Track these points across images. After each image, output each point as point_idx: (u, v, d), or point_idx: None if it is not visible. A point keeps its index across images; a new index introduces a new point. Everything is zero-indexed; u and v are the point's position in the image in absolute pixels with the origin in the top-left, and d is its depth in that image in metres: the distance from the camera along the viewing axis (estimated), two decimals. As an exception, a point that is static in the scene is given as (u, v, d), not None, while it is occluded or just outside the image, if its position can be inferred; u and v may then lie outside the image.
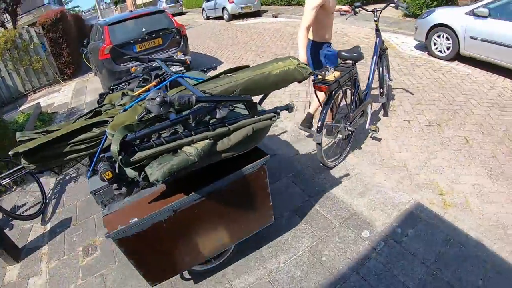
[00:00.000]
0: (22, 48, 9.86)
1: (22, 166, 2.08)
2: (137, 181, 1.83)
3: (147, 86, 2.57)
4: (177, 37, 7.86)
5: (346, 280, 2.89)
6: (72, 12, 22.84)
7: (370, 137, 4.72)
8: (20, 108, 8.86)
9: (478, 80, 6.22)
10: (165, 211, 2.04)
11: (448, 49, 7.06)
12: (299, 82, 2.55)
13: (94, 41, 8.06)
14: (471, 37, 6.49)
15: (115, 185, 1.94)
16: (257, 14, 16.80)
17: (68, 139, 2.05)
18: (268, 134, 2.51)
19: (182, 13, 26.85)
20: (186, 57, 6.60)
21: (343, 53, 3.77)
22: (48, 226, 4.03)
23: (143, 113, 1.84)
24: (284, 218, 3.56)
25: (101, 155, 1.75)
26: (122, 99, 2.49)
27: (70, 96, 9.22)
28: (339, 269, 3.00)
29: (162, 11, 8.13)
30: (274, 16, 15.40)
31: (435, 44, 7.28)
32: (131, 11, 8.44)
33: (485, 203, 3.47)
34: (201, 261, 2.63)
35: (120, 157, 1.58)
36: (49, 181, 4.90)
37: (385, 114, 5.20)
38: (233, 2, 15.87)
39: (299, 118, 5.34)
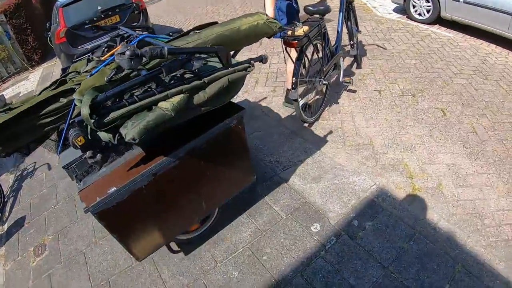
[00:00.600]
0: (-15, 38, 9.30)
1: None
2: (111, 146, 1.81)
3: (113, 50, 2.30)
4: (136, 12, 7.15)
5: (287, 283, 2.44)
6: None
7: (345, 89, 4.50)
8: None
9: (460, 46, 5.63)
10: (144, 176, 1.95)
11: (428, 12, 6.42)
12: (269, 37, 2.45)
13: (54, 24, 7.38)
14: (453, -1, 5.85)
15: (89, 153, 1.84)
16: None
17: (34, 113, 1.90)
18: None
19: None
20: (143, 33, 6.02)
21: (310, 7, 3.71)
22: (6, 226, 3.79)
23: (112, 73, 1.74)
24: (225, 210, 3.02)
25: (71, 121, 1.68)
26: (87, 65, 2.32)
27: (36, 83, 8.62)
28: (281, 270, 2.53)
29: (116, -15, 7.37)
30: None
31: (414, 6, 6.62)
32: None
33: (461, 187, 2.96)
34: (186, 228, 2.58)
35: (92, 120, 1.51)
36: (8, 178, 4.63)
37: (358, 67, 5.03)
38: None
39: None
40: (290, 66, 3.92)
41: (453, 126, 3.71)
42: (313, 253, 2.59)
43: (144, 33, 2.57)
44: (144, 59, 1.60)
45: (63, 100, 1.97)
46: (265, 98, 4.65)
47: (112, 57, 1.99)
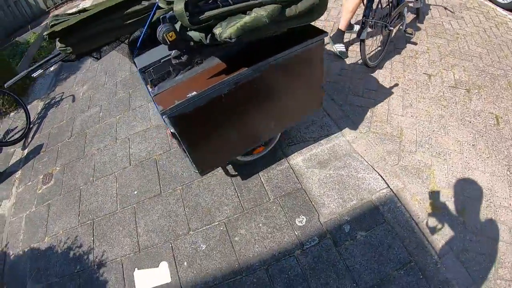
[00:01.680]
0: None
1: (56, 54, 1.93)
2: (197, 48, 1.77)
3: None
4: None
5: (250, 273, 2.19)
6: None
7: (407, 41, 4.23)
8: (34, 29, 7.95)
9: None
10: (225, 84, 1.89)
11: (515, -6, 5.43)
12: None
13: None
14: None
15: (175, 52, 1.82)
16: None
17: (112, 14, 1.86)
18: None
19: None
20: None
21: None
22: (26, 151, 4.02)
23: None
24: (216, 176, 2.75)
25: (161, 16, 1.62)
26: None
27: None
28: (248, 257, 2.27)
29: None
30: None
31: (499, -16, 5.61)
32: None
33: (488, 221, 2.43)
34: (252, 146, 2.48)
35: (187, 15, 1.53)
36: (38, 105, 4.79)
37: (420, 21, 4.71)
38: None
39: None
40: (348, 3, 3.73)
41: (504, 141, 3.08)
42: (288, 249, 2.24)
43: None
44: None
45: (145, 3, 1.93)
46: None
47: None
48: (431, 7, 4.93)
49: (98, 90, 4.51)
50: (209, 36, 1.62)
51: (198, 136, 2.05)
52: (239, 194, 2.56)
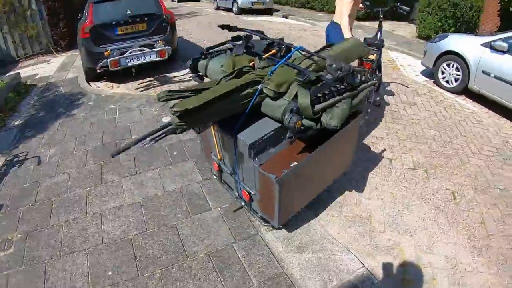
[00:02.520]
0: (19, 13, 9.49)
1: (164, 126, 2.20)
2: (304, 130, 2.41)
3: (271, 52, 2.96)
4: (163, 24, 7.19)
5: None
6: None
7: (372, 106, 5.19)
8: (1, 77, 8.28)
9: (483, 122, 5.39)
10: (311, 156, 2.58)
11: (456, 80, 6.24)
12: (360, 58, 4.19)
13: (83, 17, 7.49)
14: (483, 72, 5.65)
15: (289, 134, 2.48)
16: (268, 12, 16.03)
17: (229, 97, 2.29)
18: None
19: (197, 0, 25.99)
20: (165, 48, 6.01)
21: (370, 40, 4.96)
22: None
23: (307, 76, 2.29)
24: (196, 260, 2.83)
25: (290, 107, 2.27)
26: (260, 63, 2.73)
27: (54, 69, 8.63)
28: None
29: (152, -6, 7.49)
30: (284, 16, 14.82)
31: (443, 73, 6.46)
32: None
33: (456, 285, 2.67)
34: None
35: (313, 109, 2.22)
36: None
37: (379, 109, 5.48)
38: None
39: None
40: None
41: (462, 213, 3.45)
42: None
43: (293, 45, 3.03)
44: (339, 72, 2.40)
45: (250, 90, 2.41)
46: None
47: (286, 57, 2.75)
48: (387, 96, 5.52)
49: (67, 157, 4.39)
50: (318, 124, 2.31)
51: (288, 196, 2.60)
52: (221, 279, 2.65)
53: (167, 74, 7.29)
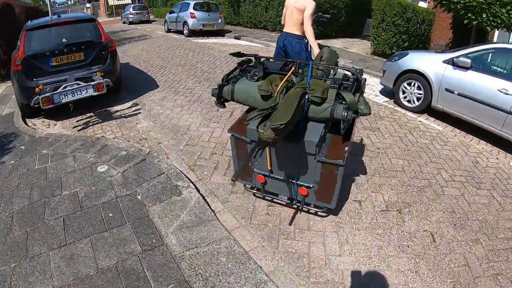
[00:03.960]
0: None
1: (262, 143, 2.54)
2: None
3: (292, 69, 3.21)
4: (103, 52, 6.49)
5: None
6: (34, 4, 20.97)
7: None
8: None
9: (450, 142, 5.14)
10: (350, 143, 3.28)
11: (418, 99, 6.00)
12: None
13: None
14: (447, 90, 5.43)
15: (343, 126, 2.92)
16: (220, 33, 15.64)
17: (296, 110, 2.61)
18: None
19: (148, 21, 25.35)
20: (103, 81, 5.33)
21: None
22: None
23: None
24: None
25: (340, 106, 2.78)
26: (296, 78, 3.10)
27: None
28: None
29: (92, 20, 6.83)
30: (237, 38, 14.49)
31: (404, 92, 6.20)
32: (59, 15, 6.98)
33: None
34: None
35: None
36: None
37: None
38: (195, 17, 14.70)
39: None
40: None
41: (444, 257, 3.04)
42: None
43: (306, 61, 3.64)
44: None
45: (303, 99, 2.79)
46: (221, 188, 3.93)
47: (310, 70, 3.08)
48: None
49: (-11, 220, 3.48)
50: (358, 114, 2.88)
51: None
52: None
53: (108, 108, 6.51)
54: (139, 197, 3.56)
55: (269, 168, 3.18)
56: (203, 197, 3.69)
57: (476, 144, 5.28)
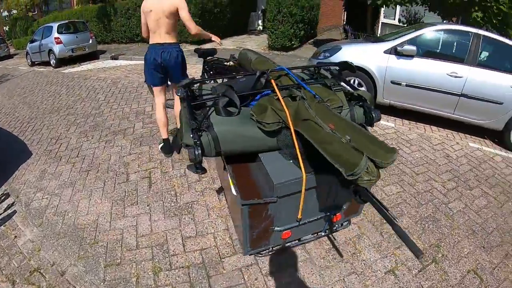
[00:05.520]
0: None
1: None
2: None
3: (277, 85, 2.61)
4: None
5: None
6: None
7: None
8: None
9: (412, 140, 4.80)
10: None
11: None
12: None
13: None
14: (392, 82, 4.96)
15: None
16: (93, 55, 13.15)
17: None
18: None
19: (9, 56, 20.28)
20: None
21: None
22: None
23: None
24: None
25: (363, 108, 2.44)
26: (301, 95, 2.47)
27: None
28: None
29: None
30: (114, 58, 12.29)
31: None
32: None
33: None
34: None
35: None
36: None
37: None
38: (61, 42, 12.09)
39: None
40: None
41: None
42: None
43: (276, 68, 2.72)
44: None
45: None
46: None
47: (300, 79, 2.58)
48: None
49: None
50: None
51: None
52: None
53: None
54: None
55: (299, 217, 2.39)
56: None
57: (432, 133, 5.02)
